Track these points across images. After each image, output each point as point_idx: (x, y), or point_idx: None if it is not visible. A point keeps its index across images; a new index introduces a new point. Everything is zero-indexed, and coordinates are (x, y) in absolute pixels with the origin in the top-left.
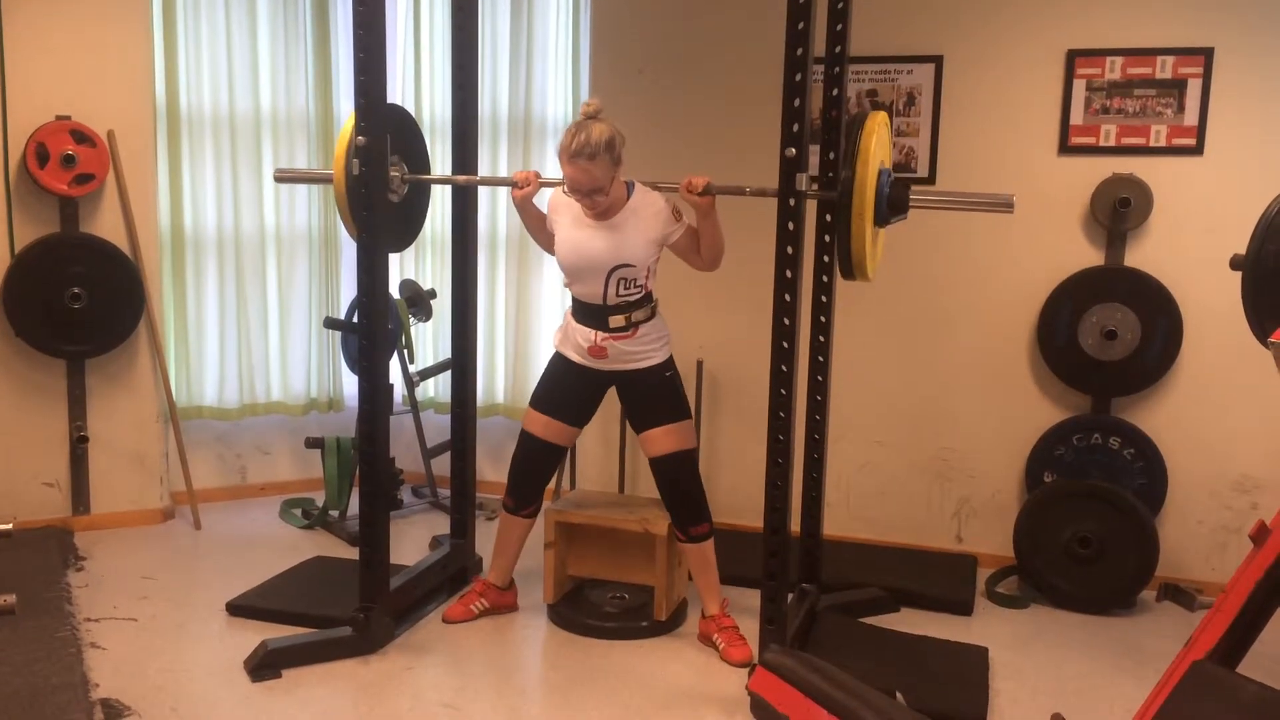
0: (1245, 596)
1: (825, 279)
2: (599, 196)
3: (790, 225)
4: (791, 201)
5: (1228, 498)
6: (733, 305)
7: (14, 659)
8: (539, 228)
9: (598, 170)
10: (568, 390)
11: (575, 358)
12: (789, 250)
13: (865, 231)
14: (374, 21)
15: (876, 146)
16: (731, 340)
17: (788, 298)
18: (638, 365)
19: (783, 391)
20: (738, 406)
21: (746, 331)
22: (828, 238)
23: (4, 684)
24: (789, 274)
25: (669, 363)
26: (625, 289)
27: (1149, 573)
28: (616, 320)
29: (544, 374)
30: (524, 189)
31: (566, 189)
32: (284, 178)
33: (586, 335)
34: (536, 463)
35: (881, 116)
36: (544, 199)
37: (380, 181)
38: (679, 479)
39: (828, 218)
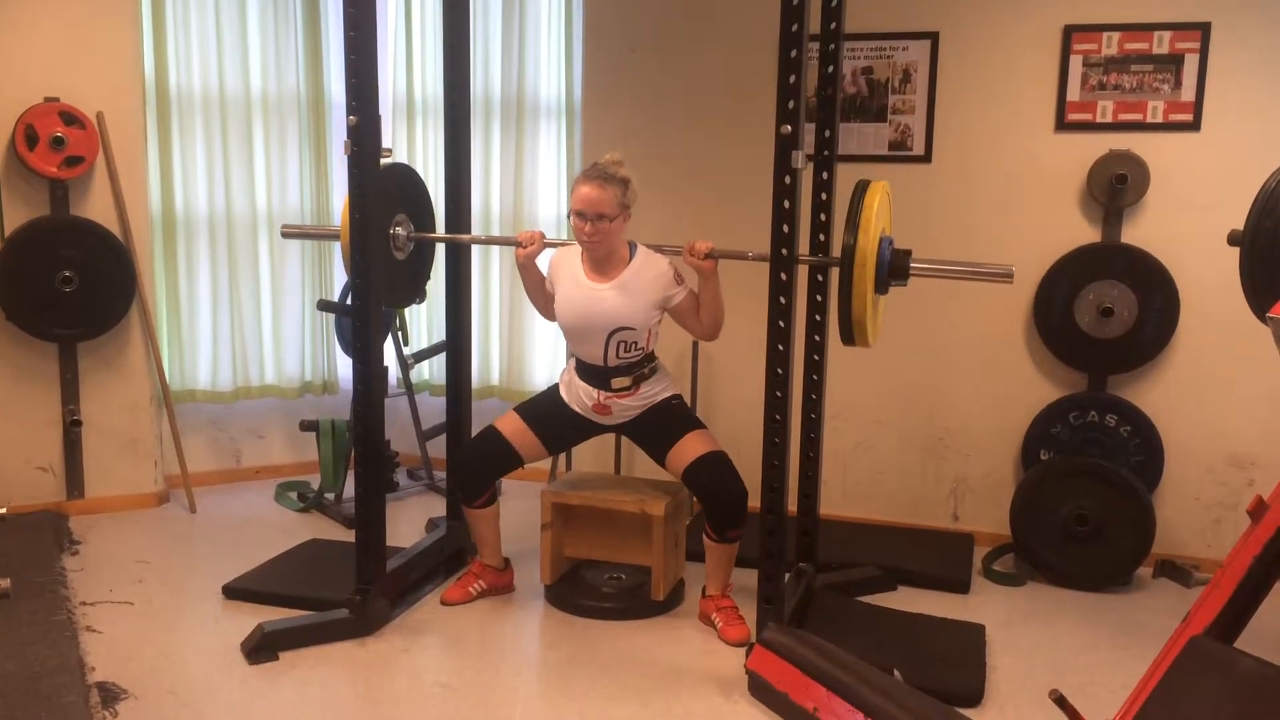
0: (1242, 572)
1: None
2: (602, 224)
3: (785, 204)
4: (787, 179)
5: (1224, 474)
6: (729, 288)
7: (9, 643)
8: (538, 289)
9: (608, 195)
10: (559, 424)
11: (578, 410)
12: (784, 229)
13: (867, 298)
14: (364, 0)
15: (878, 215)
16: (727, 321)
17: (783, 277)
18: (643, 408)
19: (779, 371)
20: (733, 387)
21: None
22: (822, 236)
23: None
24: (784, 252)
25: (674, 396)
26: (625, 351)
27: (1146, 549)
28: (620, 381)
29: (544, 396)
30: (528, 248)
31: (571, 213)
32: (291, 234)
33: (590, 393)
34: (488, 459)
35: (883, 185)
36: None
37: (373, 159)
38: (722, 478)
39: (821, 212)
